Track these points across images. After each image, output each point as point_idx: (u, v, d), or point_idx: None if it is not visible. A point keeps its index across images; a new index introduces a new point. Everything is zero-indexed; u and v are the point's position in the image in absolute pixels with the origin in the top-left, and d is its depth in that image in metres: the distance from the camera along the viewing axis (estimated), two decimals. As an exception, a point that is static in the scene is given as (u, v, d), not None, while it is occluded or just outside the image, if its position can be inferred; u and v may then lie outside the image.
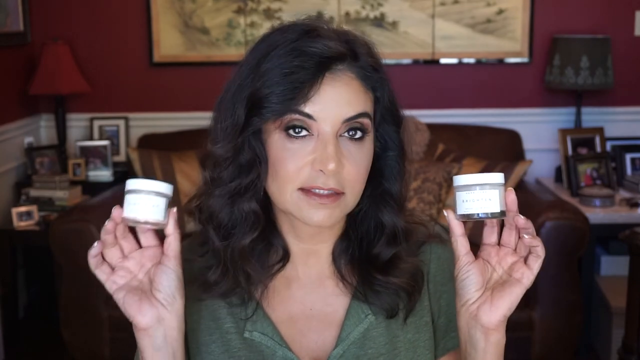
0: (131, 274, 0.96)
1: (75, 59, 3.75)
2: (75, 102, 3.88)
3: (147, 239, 0.98)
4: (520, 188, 3.31)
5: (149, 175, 3.37)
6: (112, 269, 0.96)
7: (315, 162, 0.95)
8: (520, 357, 2.93)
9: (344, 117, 0.95)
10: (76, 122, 3.90)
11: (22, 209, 3.35)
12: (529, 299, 2.92)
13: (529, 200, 3.14)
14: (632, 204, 3.26)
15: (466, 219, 0.92)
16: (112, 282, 0.95)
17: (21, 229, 3.32)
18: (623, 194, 3.45)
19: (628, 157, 3.63)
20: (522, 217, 0.92)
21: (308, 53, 0.94)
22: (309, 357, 1.04)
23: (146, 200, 0.93)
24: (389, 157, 1.03)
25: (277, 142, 0.97)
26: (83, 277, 2.93)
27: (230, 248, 1.01)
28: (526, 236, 0.91)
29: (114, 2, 3.84)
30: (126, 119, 3.87)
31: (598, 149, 3.60)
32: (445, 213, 0.94)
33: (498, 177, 0.92)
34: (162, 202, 0.94)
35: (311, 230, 1.04)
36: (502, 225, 0.96)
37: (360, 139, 0.97)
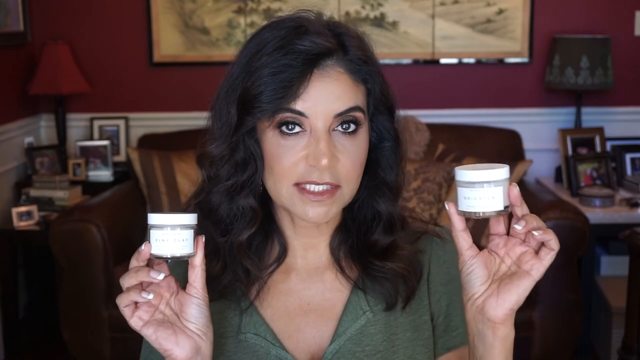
0: (153, 307, 0.93)
1: (75, 59, 3.75)
2: (75, 102, 3.88)
3: (160, 269, 0.94)
4: (521, 188, 3.31)
5: (148, 175, 3.37)
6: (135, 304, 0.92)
7: (309, 158, 0.96)
8: (520, 357, 2.93)
9: (335, 112, 0.96)
10: (76, 122, 3.90)
11: (22, 209, 3.35)
12: (529, 299, 2.92)
13: (529, 200, 3.14)
14: (632, 204, 3.26)
15: (468, 216, 0.90)
16: (138, 318, 0.91)
17: (21, 229, 3.32)
18: (623, 194, 3.45)
19: (628, 157, 3.63)
20: (527, 218, 0.89)
21: (296, 51, 0.95)
22: (305, 353, 1.04)
23: (173, 236, 0.91)
24: (385, 148, 1.03)
25: (271, 139, 0.97)
26: (83, 277, 2.93)
27: (229, 243, 1.02)
28: (536, 234, 0.89)
29: (114, 2, 3.84)
30: (126, 119, 3.87)
31: (598, 149, 3.60)
32: (446, 206, 0.92)
33: (503, 173, 0.88)
34: (188, 235, 0.92)
35: (309, 225, 1.04)
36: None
37: (354, 132, 0.98)
